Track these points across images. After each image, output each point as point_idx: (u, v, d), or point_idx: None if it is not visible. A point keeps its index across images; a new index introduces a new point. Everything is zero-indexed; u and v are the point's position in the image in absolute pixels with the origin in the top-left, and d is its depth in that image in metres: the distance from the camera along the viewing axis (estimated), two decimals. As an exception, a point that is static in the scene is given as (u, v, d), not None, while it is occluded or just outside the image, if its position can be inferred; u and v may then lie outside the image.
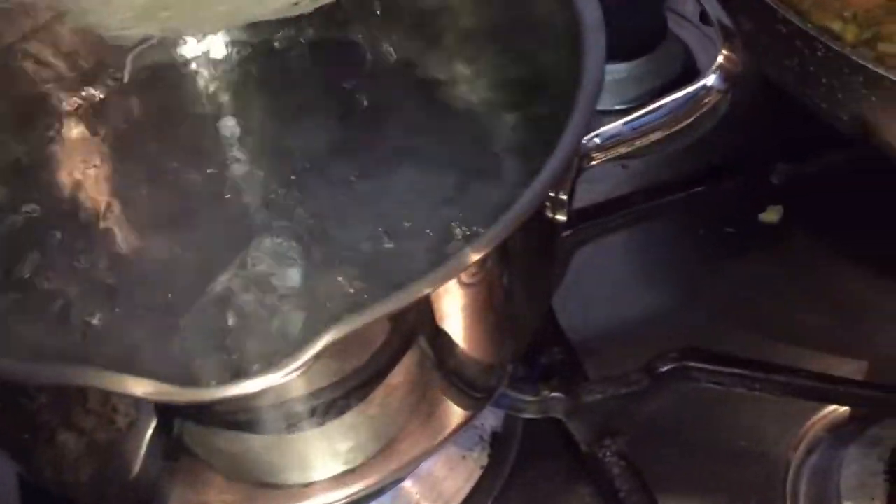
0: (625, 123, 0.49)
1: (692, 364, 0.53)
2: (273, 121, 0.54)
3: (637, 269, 0.66)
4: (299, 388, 0.40)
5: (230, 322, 0.44)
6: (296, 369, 0.33)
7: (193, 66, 0.56)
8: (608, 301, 0.64)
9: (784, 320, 0.61)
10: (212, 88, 0.55)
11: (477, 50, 0.53)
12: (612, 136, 0.49)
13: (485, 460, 0.56)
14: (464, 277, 0.41)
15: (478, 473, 0.55)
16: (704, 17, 0.73)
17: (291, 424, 0.42)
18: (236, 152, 0.52)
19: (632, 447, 0.54)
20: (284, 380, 0.34)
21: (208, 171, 0.50)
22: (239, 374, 0.41)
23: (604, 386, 0.53)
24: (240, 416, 0.41)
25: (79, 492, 0.46)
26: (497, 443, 0.56)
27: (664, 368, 0.53)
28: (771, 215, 0.67)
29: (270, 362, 0.33)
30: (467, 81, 0.54)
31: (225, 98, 0.56)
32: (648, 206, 0.65)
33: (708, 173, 0.67)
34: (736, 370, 0.52)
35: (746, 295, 0.63)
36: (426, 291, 0.38)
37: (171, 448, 0.41)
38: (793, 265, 0.65)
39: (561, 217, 0.47)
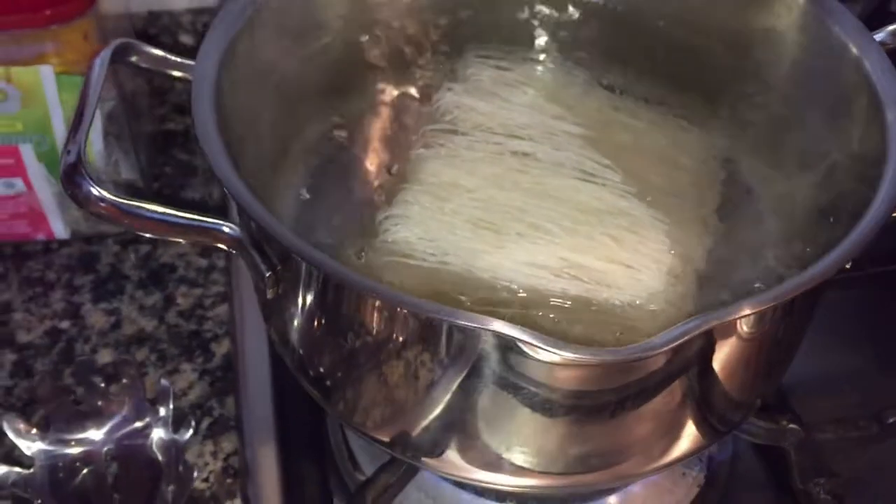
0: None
1: (923, 419, 0.57)
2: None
3: (840, 329, 0.70)
4: (595, 383, 0.45)
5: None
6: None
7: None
8: (812, 353, 0.68)
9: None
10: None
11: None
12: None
13: (702, 480, 0.60)
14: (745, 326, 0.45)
15: (695, 491, 0.60)
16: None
17: (568, 413, 0.47)
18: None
19: (843, 489, 0.58)
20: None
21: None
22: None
23: (835, 427, 0.57)
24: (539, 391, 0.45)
25: (376, 423, 0.50)
26: (713, 464, 0.61)
27: (893, 419, 0.57)
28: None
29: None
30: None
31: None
32: (869, 273, 0.69)
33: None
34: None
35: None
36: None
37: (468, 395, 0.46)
38: None
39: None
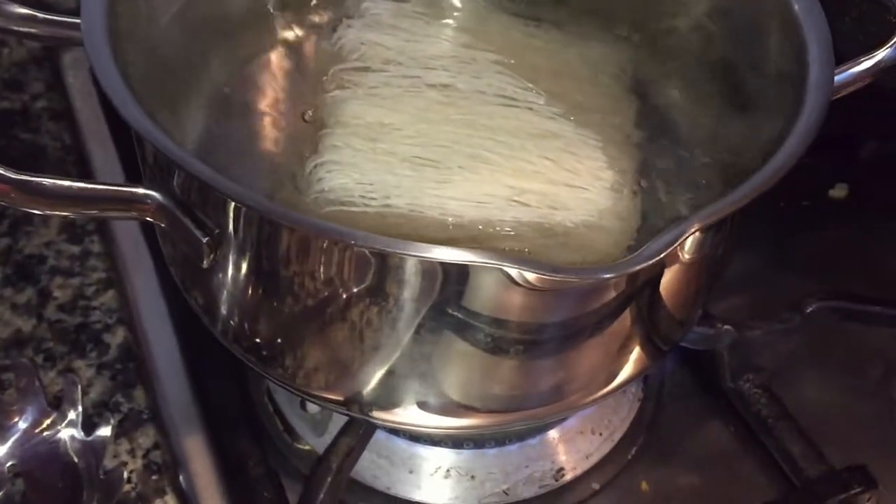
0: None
1: (840, 304, 0.60)
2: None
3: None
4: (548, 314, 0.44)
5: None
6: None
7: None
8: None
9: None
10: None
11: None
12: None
13: (641, 395, 0.61)
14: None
15: (637, 406, 0.61)
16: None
17: (521, 349, 0.46)
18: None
19: (769, 381, 0.61)
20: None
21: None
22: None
23: (760, 323, 0.60)
24: (485, 327, 0.43)
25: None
26: (648, 379, 0.62)
27: (812, 307, 0.60)
28: (839, 192, 0.76)
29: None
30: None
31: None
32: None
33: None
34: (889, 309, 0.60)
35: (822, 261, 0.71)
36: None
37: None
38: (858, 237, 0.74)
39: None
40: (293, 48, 0.56)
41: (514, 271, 0.37)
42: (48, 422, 0.55)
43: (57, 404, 0.57)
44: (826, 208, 0.76)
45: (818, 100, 0.44)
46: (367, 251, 0.39)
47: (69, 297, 0.65)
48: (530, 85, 0.53)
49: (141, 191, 0.42)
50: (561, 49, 0.56)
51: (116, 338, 0.63)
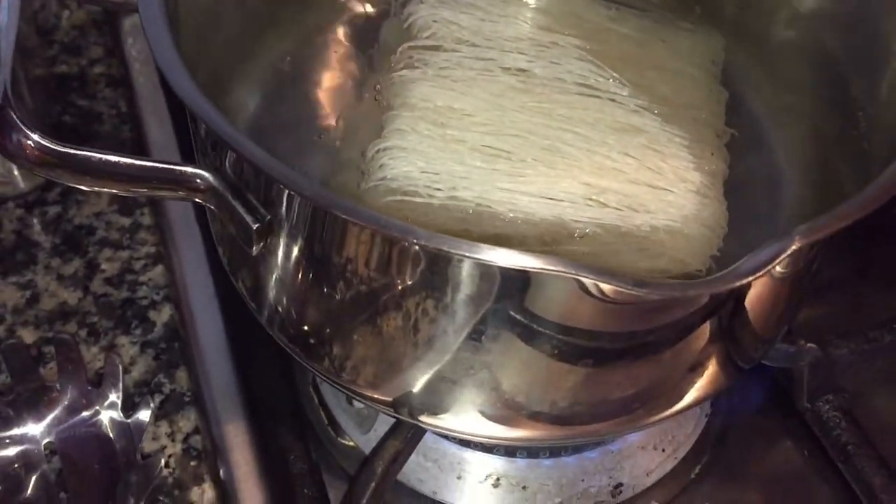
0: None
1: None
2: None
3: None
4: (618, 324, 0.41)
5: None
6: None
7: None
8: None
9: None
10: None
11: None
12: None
13: (708, 409, 0.57)
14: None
15: (704, 422, 0.57)
16: None
17: (588, 359, 0.43)
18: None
19: (849, 403, 0.56)
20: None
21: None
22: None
23: (847, 342, 0.55)
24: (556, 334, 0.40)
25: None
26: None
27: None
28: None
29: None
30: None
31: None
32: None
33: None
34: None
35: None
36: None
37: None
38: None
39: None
40: (359, 22, 0.53)
41: (590, 282, 0.33)
42: (87, 401, 0.53)
43: (98, 382, 0.55)
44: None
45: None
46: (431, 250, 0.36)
47: (117, 270, 0.63)
48: (614, 74, 0.48)
49: (191, 170, 0.39)
50: (647, 37, 0.52)
51: (162, 315, 0.61)
